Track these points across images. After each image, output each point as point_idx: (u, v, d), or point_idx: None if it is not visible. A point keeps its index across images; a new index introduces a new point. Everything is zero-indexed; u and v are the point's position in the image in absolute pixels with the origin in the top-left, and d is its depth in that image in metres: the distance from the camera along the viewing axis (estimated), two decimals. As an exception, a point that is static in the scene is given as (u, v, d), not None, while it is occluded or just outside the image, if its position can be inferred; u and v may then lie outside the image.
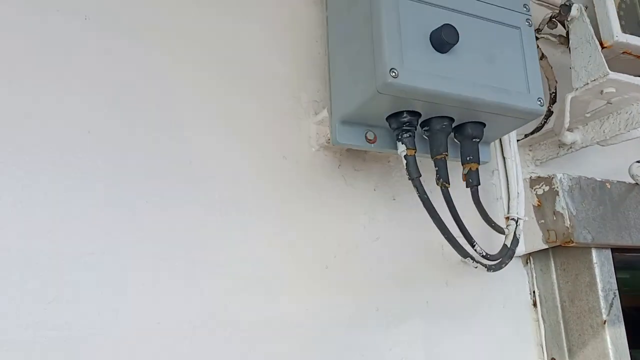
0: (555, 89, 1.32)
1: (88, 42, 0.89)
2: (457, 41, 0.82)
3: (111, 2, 0.93)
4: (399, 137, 0.86)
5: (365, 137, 0.90)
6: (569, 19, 1.09)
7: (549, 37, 1.17)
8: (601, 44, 1.04)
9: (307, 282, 0.94)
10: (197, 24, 1.00)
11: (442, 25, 0.81)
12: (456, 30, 0.82)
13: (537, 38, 1.21)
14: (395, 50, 0.78)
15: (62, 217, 0.80)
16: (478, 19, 0.88)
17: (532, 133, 1.35)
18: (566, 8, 1.09)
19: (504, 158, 1.14)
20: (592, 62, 1.05)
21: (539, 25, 1.18)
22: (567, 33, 1.12)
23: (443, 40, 0.81)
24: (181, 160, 0.90)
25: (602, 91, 1.06)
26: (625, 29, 1.07)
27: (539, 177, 1.19)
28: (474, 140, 0.91)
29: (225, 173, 0.94)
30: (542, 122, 1.35)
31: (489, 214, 0.95)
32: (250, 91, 1.01)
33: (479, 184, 0.92)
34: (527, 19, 0.93)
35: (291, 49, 1.08)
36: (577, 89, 1.08)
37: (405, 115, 0.84)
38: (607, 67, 1.03)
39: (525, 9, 0.94)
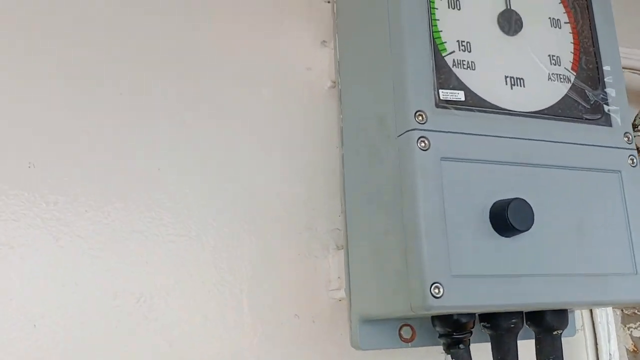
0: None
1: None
2: (531, 225, 0.55)
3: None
4: (449, 350, 0.60)
5: (400, 334, 0.65)
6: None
7: (648, 136, 0.87)
8: None
9: None
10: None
11: (509, 202, 0.55)
12: (529, 209, 0.56)
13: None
14: (438, 251, 0.53)
15: None
16: (558, 170, 0.61)
17: None
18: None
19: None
20: None
21: (635, 119, 0.89)
22: (676, 134, 0.82)
23: (509, 225, 0.55)
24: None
25: None
26: None
27: (635, 312, 0.91)
28: (555, 333, 0.64)
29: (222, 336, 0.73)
30: None
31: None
32: (252, 224, 0.79)
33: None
34: (630, 155, 0.66)
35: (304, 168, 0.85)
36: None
37: (456, 318, 0.59)
38: None
39: (626, 140, 0.66)
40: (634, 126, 0.89)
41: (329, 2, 0.77)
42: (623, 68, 1.02)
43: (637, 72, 1.00)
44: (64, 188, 0.71)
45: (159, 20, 0.84)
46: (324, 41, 0.91)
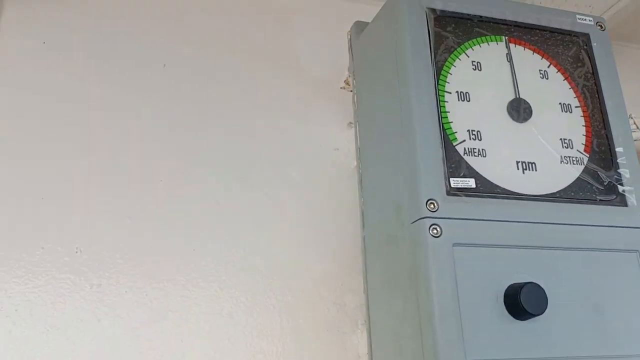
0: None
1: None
2: (545, 309, 0.57)
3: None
4: None
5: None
6: None
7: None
8: None
9: None
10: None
11: (522, 286, 0.57)
12: (543, 292, 0.57)
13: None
14: (453, 336, 0.54)
15: None
16: (572, 252, 0.63)
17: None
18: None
19: None
20: None
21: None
22: None
23: (523, 309, 0.56)
24: None
25: None
26: None
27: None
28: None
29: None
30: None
31: None
32: (281, 301, 0.83)
33: None
34: (647, 234, 0.66)
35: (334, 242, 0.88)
36: None
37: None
38: None
39: (643, 219, 0.67)
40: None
41: (351, 90, 0.82)
42: (648, 139, 1.03)
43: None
44: (106, 271, 0.77)
45: (200, 109, 0.92)
46: (350, 123, 0.96)
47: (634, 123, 1.01)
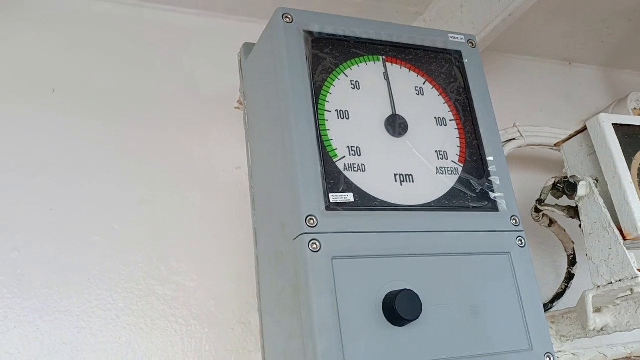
0: (573, 250, 1.09)
1: None
2: (420, 314, 0.60)
3: None
4: None
5: None
6: (576, 198, 0.87)
7: (555, 210, 0.94)
8: (622, 234, 0.81)
9: None
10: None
11: (397, 293, 0.60)
12: (417, 298, 0.60)
13: (538, 210, 0.98)
14: (332, 348, 0.57)
15: None
16: (448, 257, 0.66)
17: (551, 302, 1.11)
18: (571, 186, 0.86)
19: None
20: (614, 257, 0.81)
21: (541, 195, 0.95)
22: (577, 207, 0.89)
23: (398, 315, 0.59)
24: None
25: (632, 290, 0.82)
26: (651, 203, 0.83)
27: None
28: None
29: None
30: (563, 287, 1.11)
31: None
32: (185, 325, 0.82)
33: None
34: (518, 237, 0.71)
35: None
36: (598, 286, 0.84)
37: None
38: (635, 267, 0.79)
39: (514, 223, 0.72)
40: (540, 201, 0.96)
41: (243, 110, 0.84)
42: (532, 145, 1.11)
43: (544, 146, 1.09)
44: (-7, 308, 0.74)
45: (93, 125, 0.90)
46: (251, 141, 0.98)
47: (518, 131, 1.08)
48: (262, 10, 1.08)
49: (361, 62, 0.74)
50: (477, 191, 0.72)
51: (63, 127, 0.89)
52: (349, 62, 0.73)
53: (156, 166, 0.93)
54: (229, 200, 0.95)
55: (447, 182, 0.71)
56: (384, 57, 0.75)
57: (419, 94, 0.75)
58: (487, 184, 0.73)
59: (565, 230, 1.05)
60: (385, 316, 0.60)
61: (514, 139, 1.04)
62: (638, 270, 0.78)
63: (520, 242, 0.71)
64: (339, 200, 0.64)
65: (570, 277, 1.09)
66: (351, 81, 0.72)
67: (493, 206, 0.72)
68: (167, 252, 0.87)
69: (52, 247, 0.80)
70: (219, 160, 0.98)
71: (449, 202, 0.70)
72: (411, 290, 0.60)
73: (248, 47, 0.83)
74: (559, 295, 1.10)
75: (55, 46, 0.94)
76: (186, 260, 0.88)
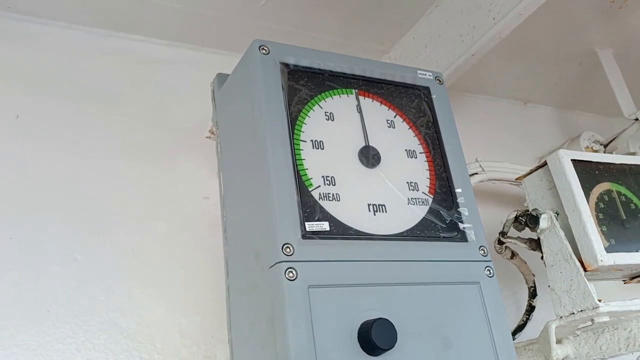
0: (534, 282, 1.11)
1: None
2: (395, 343, 0.60)
3: None
4: None
5: None
6: (538, 231, 0.90)
7: (517, 242, 0.97)
8: (583, 266, 0.84)
9: None
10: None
11: (372, 322, 0.60)
12: (392, 328, 0.60)
13: (501, 243, 1.01)
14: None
15: None
16: (420, 287, 0.67)
17: (513, 334, 1.13)
18: (533, 219, 0.89)
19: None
20: (576, 288, 0.84)
21: (503, 228, 0.98)
22: (539, 240, 0.92)
23: (374, 344, 0.59)
24: None
25: (592, 320, 0.85)
26: (608, 237, 0.87)
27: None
28: None
29: None
30: (524, 319, 1.13)
31: None
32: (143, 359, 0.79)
33: None
34: (487, 267, 0.73)
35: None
36: (560, 317, 0.87)
37: None
38: (595, 297, 0.82)
39: (482, 253, 0.74)
40: (503, 233, 0.99)
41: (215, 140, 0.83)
42: (493, 180, 1.15)
43: (504, 181, 1.13)
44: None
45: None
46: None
47: (480, 166, 1.12)
48: (231, 42, 1.10)
49: (335, 95, 0.75)
50: (447, 222, 0.74)
51: (25, 155, 0.86)
52: (323, 94, 0.75)
53: (121, 195, 0.91)
54: (197, 230, 0.93)
55: (419, 213, 0.72)
56: (356, 90, 0.77)
57: (390, 127, 0.77)
58: (456, 214, 0.75)
59: (526, 263, 1.08)
60: (361, 345, 0.60)
61: (477, 173, 1.07)
62: (599, 300, 0.81)
63: (488, 272, 0.72)
64: (315, 229, 0.64)
65: (531, 309, 1.12)
66: (325, 112, 0.73)
67: (462, 236, 0.73)
68: (131, 283, 0.84)
69: (10, 277, 0.76)
70: (186, 190, 0.97)
71: (420, 232, 0.71)
72: (386, 319, 0.61)
73: (221, 77, 0.83)
74: (520, 327, 1.13)
75: (20, 73, 0.92)
76: (151, 291, 0.85)
